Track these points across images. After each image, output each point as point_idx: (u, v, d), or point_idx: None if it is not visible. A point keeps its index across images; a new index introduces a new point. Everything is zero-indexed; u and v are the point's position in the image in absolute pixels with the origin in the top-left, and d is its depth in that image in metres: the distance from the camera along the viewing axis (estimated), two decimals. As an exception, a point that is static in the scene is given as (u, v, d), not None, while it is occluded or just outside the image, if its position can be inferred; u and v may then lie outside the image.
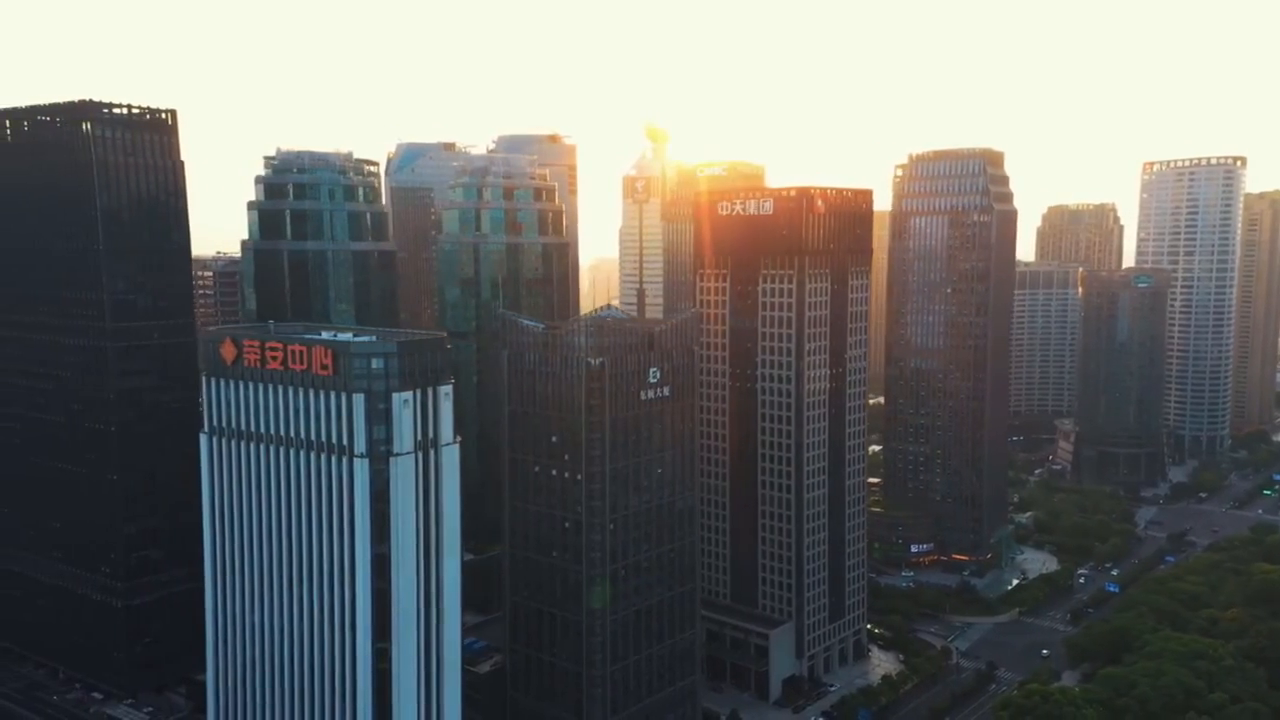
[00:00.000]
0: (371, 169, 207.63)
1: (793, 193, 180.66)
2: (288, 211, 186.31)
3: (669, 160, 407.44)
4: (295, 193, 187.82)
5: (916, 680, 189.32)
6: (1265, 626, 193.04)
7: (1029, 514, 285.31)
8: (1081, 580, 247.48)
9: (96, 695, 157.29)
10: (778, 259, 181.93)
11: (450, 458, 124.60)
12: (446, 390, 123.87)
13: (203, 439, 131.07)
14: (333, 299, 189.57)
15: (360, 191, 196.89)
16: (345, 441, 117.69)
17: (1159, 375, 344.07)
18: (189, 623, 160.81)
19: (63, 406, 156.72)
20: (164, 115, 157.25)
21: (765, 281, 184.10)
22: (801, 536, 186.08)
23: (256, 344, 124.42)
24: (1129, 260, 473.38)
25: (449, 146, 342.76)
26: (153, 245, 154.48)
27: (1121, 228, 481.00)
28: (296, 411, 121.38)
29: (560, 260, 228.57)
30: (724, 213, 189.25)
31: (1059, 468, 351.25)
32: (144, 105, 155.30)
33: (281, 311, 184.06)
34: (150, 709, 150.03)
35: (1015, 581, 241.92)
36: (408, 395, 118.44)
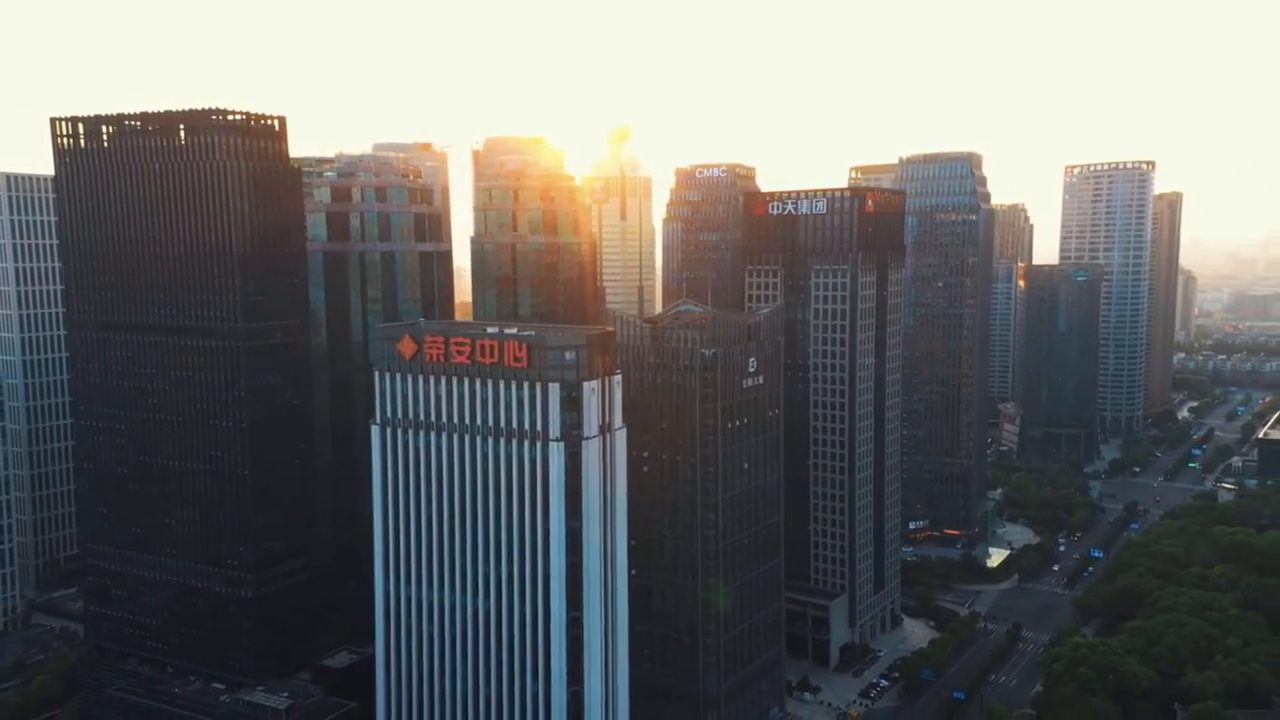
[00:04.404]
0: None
1: (847, 193, 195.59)
2: (359, 214, 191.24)
3: (625, 160, 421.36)
4: (363, 195, 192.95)
5: (955, 642, 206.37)
6: (1252, 580, 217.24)
7: (998, 490, 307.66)
8: (1062, 548, 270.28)
9: (218, 686, 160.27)
10: (831, 254, 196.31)
11: (621, 440, 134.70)
12: (618, 379, 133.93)
13: (374, 430, 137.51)
14: (401, 298, 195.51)
15: (421, 194, 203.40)
16: (540, 427, 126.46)
17: (1094, 362, 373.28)
18: (308, 611, 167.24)
19: (182, 405, 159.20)
20: (274, 121, 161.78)
21: (817, 276, 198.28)
22: (854, 514, 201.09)
23: (440, 339, 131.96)
24: (1038, 257, 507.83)
25: (425, 147, 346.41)
26: (275, 248, 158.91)
27: (1032, 226, 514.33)
28: (485, 401, 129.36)
29: (591, 260, 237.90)
30: (775, 212, 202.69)
31: (1005, 448, 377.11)
32: (256, 112, 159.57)
33: (351, 311, 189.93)
34: (286, 694, 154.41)
35: (1005, 552, 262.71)
36: (594, 384, 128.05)
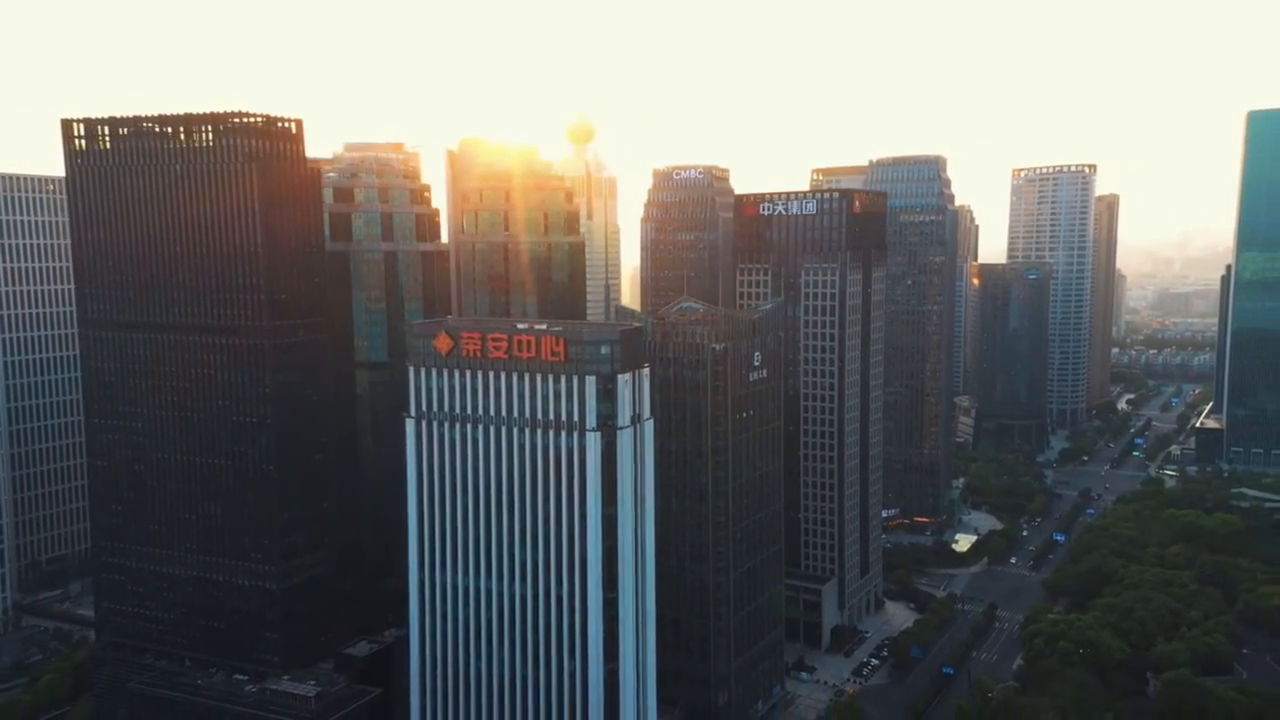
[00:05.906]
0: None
1: (836, 195, 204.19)
2: (361, 215, 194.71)
3: (590, 160, 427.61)
4: (365, 196, 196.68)
5: (937, 622, 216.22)
6: (1206, 558, 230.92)
7: (961, 480, 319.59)
8: (1025, 533, 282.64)
9: (240, 677, 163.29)
10: (821, 253, 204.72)
11: (649, 430, 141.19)
12: (646, 372, 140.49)
13: (409, 423, 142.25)
14: (404, 297, 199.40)
15: (420, 194, 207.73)
16: (577, 418, 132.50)
17: (1044, 356, 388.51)
18: (328, 602, 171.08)
19: (204, 402, 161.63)
20: (291, 124, 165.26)
21: (807, 274, 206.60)
22: (843, 502, 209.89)
23: (477, 335, 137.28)
24: (983, 256, 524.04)
25: (396, 147, 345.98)
26: (297, 248, 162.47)
27: (977, 227, 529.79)
28: (521, 394, 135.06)
29: (579, 259, 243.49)
30: (766, 213, 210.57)
31: (961, 440, 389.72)
32: (273, 115, 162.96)
33: (355, 310, 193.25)
34: (313, 681, 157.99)
35: (973, 538, 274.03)
36: (627, 376, 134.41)
